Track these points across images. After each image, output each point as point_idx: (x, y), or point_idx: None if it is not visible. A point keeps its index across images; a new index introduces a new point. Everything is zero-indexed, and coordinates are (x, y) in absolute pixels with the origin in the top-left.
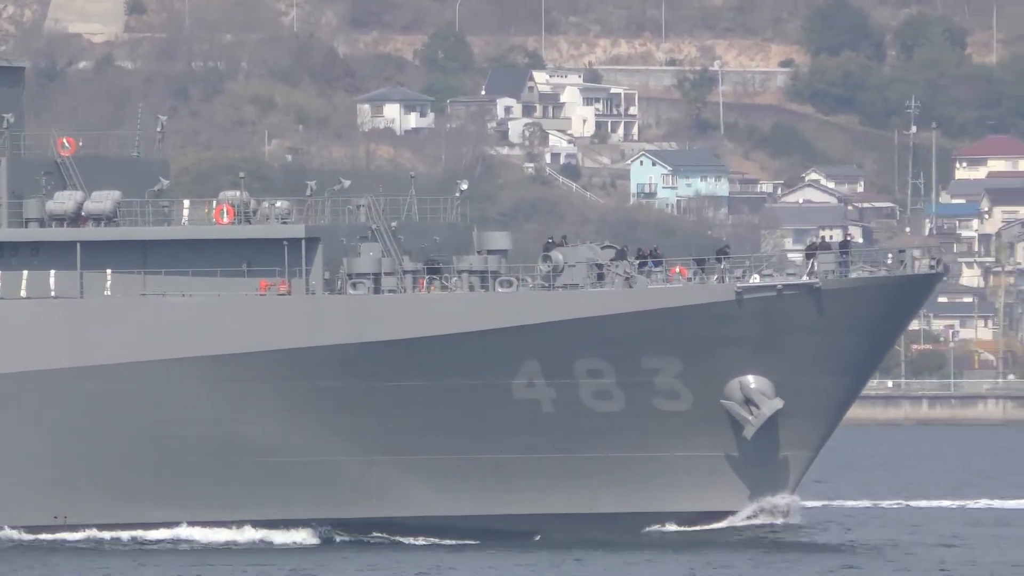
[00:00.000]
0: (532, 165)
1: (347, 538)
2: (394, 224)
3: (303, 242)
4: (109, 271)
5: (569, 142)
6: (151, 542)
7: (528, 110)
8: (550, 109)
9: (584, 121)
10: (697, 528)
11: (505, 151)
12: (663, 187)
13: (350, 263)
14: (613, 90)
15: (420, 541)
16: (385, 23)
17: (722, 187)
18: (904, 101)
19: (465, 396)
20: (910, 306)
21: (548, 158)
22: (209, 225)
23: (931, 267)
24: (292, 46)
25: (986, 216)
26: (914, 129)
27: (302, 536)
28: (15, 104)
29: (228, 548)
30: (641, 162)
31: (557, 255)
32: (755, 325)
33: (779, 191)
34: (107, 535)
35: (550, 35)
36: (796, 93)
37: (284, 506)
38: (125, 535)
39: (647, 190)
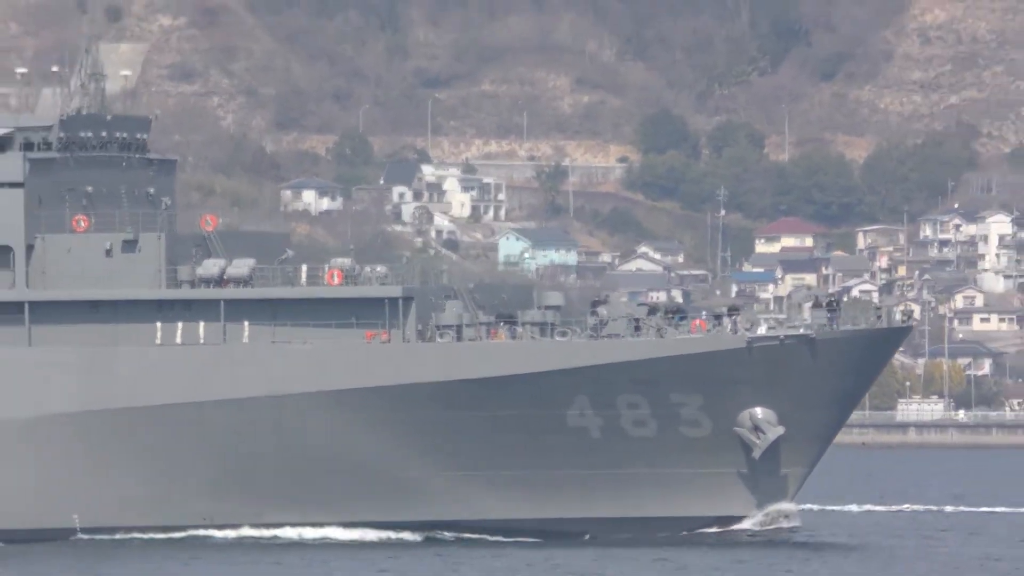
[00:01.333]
0: (421, 239)
1: (449, 536)
2: (471, 285)
3: (400, 300)
4: (246, 323)
5: (450, 221)
6: (281, 540)
7: (417, 196)
8: (435, 195)
9: (462, 204)
10: (716, 529)
11: (399, 228)
12: (525, 257)
13: (437, 317)
14: (485, 180)
15: (501, 539)
16: (303, 126)
17: (571, 258)
18: (715, 190)
19: (529, 424)
20: (886, 352)
21: (433, 234)
22: (324, 286)
23: (903, 321)
24: (228, 144)
25: (779, 282)
26: (723, 212)
27: (404, 535)
28: (170, 190)
29: (343, 545)
30: (507, 237)
31: (602, 310)
32: (762, 368)
33: (616, 261)
34: (246, 533)
35: (435, 136)
36: (630, 183)
37: (386, 511)
38: (260, 533)
39: (512, 260)
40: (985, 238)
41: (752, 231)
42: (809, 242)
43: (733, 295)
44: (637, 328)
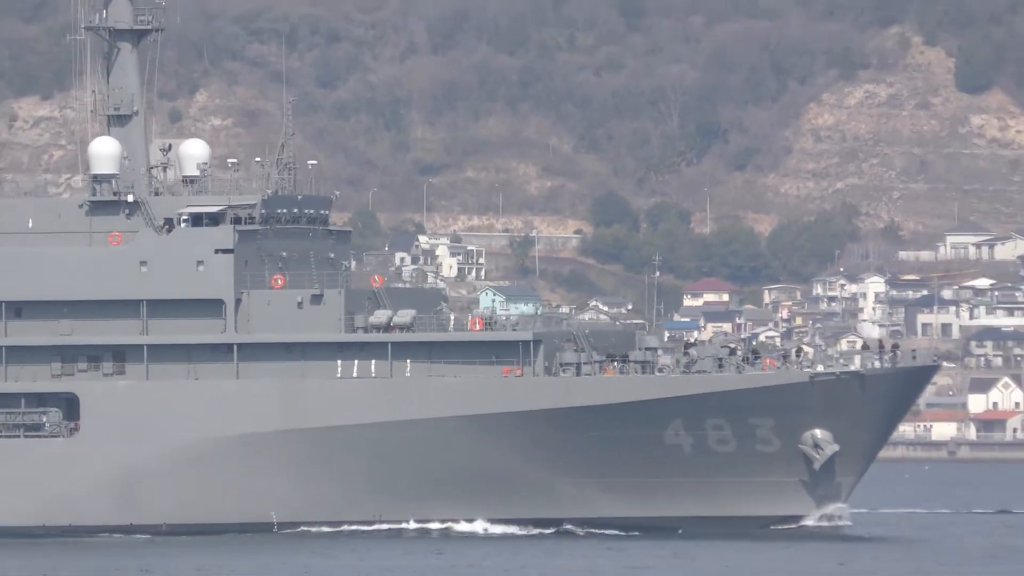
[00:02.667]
0: None
1: (577, 531)
2: (586, 331)
3: (531, 343)
4: (408, 361)
5: (441, 280)
6: (429, 531)
7: (415, 260)
8: (429, 259)
9: (451, 267)
10: (783, 526)
11: (400, 285)
12: (500, 310)
13: (560, 356)
14: (469, 247)
15: (601, 534)
16: None
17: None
18: (651, 256)
19: (634, 442)
20: (920, 386)
21: None
22: (469, 331)
23: (933, 362)
24: None
25: (702, 329)
26: (657, 274)
27: (525, 529)
28: (346, 255)
29: (475, 537)
30: (486, 293)
31: (692, 351)
32: (821, 397)
33: (573, 312)
34: (410, 526)
35: (429, 212)
36: (584, 250)
37: (522, 509)
38: (414, 526)
39: (489, 312)
40: (864, 295)
41: (680, 288)
42: (726, 297)
43: (665, 340)
44: (720, 365)
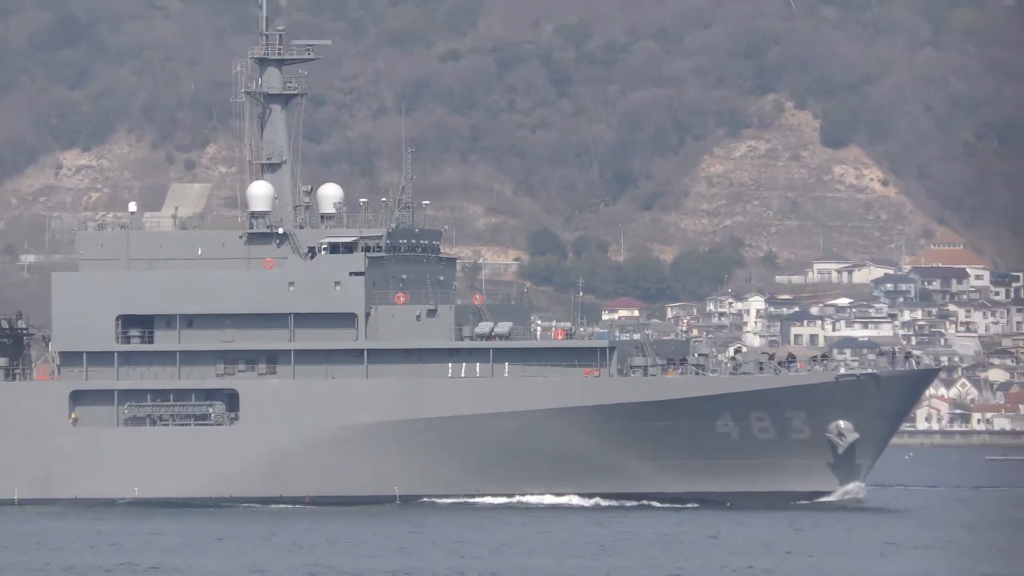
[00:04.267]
0: None
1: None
2: (652, 340)
3: (607, 349)
4: (507, 363)
5: None
6: (529, 505)
7: None
8: None
9: None
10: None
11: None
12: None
13: (631, 360)
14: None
15: (666, 506)
16: None
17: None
18: (577, 279)
19: (690, 430)
20: (923, 387)
21: None
22: (554, 339)
23: (934, 365)
24: None
25: (617, 338)
26: (581, 294)
27: (602, 502)
28: (453, 277)
29: (563, 508)
30: None
31: (738, 356)
32: (844, 394)
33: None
34: (505, 500)
35: None
36: (522, 275)
37: (602, 486)
38: (511, 500)
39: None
40: (748, 311)
41: (600, 305)
42: (636, 313)
43: None
44: (761, 368)
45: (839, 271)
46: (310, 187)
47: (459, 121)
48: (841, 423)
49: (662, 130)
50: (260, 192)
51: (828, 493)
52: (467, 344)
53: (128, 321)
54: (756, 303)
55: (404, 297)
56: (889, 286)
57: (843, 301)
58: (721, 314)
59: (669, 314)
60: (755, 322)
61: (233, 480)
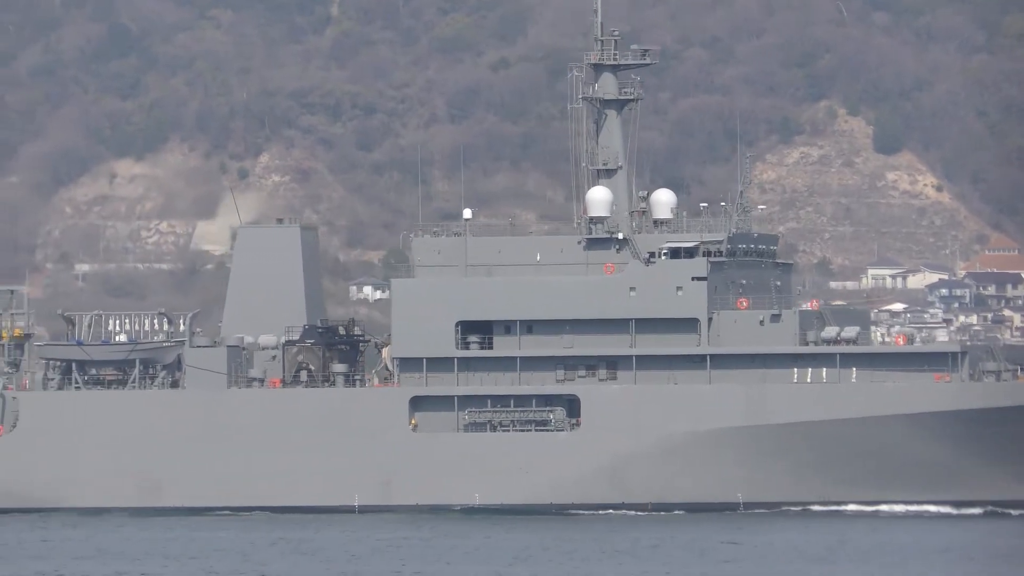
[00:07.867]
0: None
1: None
2: (1001, 345)
3: (959, 354)
4: (854, 369)
5: None
6: (866, 512)
7: None
8: None
9: None
10: None
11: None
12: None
13: (982, 365)
14: None
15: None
16: (364, 244)
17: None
18: None
19: None
20: None
21: None
22: (898, 345)
23: None
24: None
25: None
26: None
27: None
28: (789, 282)
29: (907, 516)
30: None
31: None
32: None
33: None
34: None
35: None
36: None
37: (940, 493)
38: (852, 508)
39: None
40: None
41: None
42: None
43: None
44: None
45: (893, 277)
46: (646, 192)
47: (510, 129)
48: None
49: (713, 137)
50: (599, 197)
51: None
52: (813, 349)
53: (467, 327)
54: None
55: (747, 302)
56: (944, 291)
57: (897, 306)
58: None
59: None
60: None
61: (574, 486)
